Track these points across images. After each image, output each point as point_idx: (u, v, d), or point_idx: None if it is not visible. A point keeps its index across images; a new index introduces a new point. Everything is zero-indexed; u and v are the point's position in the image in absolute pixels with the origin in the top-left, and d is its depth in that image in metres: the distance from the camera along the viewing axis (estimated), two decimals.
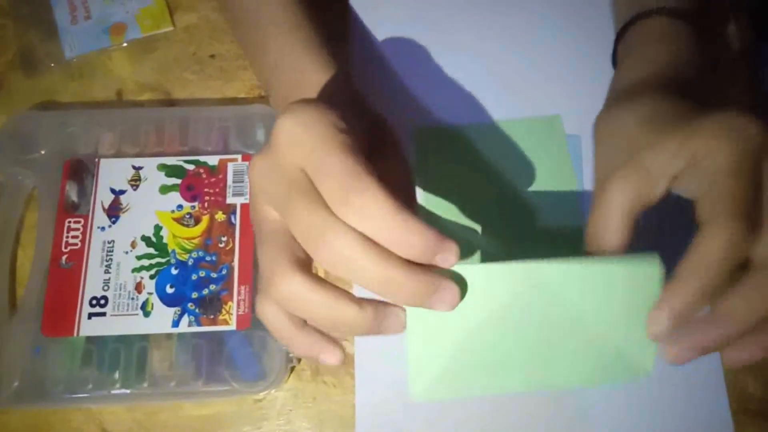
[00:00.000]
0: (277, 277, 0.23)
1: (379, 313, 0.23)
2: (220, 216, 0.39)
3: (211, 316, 0.36)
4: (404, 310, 0.24)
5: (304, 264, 0.23)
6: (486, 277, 0.24)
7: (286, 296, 0.23)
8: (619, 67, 0.36)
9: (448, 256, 0.22)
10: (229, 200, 0.39)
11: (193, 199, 0.39)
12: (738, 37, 0.44)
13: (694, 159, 0.25)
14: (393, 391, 0.36)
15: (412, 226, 0.22)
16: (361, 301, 0.23)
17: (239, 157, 0.40)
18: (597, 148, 0.31)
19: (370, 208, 0.21)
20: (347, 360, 0.37)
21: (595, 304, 0.25)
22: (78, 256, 0.37)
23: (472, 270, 0.24)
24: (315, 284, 0.23)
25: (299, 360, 0.37)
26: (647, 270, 0.25)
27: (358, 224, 0.22)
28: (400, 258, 0.22)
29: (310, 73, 0.33)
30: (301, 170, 0.23)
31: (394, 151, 0.30)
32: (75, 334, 0.36)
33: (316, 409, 0.36)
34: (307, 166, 0.23)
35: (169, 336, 0.36)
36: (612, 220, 0.26)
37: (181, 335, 0.36)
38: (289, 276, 0.23)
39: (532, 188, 0.40)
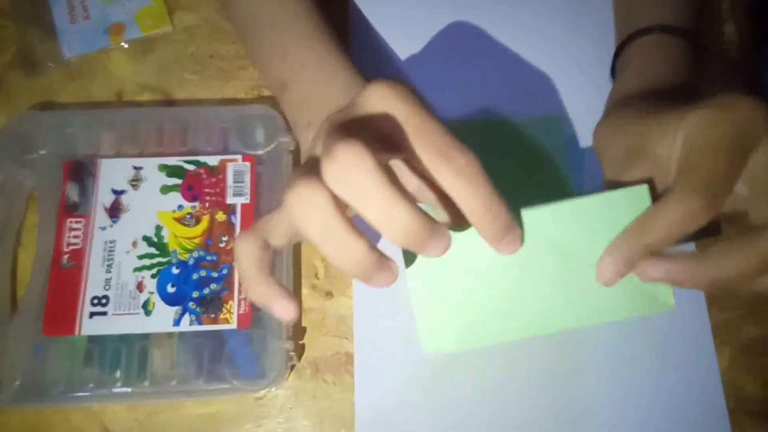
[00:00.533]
0: (343, 143, 0.21)
1: (435, 228, 0.22)
2: (220, 216, 0.39)
3: (212, 315, 0.36)
4: (397, 266, 0.23)
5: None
6: (473, 238, 0.25)
7: (345, 160, 0.20)
8: (616, 81, 0.36)
9: (515, 242, 0.24)
10: (230, 200, 0.39)
11: (193, 199, 0.39)
12: (739, 39, 0.44)
13: (686, 141, 0.25)
14: (393, 390, 0.36)
15: (501, 201, 0.22)
16: (418, 207, 0.22)
17: (239, 157, 0.40)
18: (603, 154, 0.31)
19: (470, 171, 0.22)
20: (347, 359, 0.37)
21: (596, 239, 0.26)
22: (79, 255, 0.38)
23: (461, 235, 0.25)
24: (381, 167, 0.21)
25: (299, 358, 0.37)
26: (636, 198, 0.26)
27: (456, 185, 0.22)
28: (407, 193, 0.22)
29: (337, 75, 0.34)
30: (384, 115, 0.23)
31: None
32: (76, 334, 0.36)
33: (316, 408, 0.36)
34: (398, 123, 0.23)
35: (170, 335, 0.36)
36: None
37: (182, 334, 0.36)
38: (359, 147, 0.21)
39: (529, 188, 0.40)
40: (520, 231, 0.24)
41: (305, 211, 0.22)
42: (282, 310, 0.24)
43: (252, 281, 0.24)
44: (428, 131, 0.22)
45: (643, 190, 0.26)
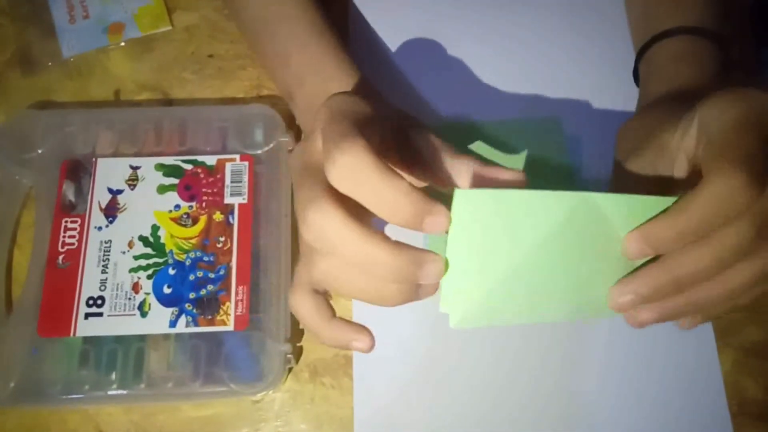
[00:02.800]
0: (309, 208, 0.22)
1: (418, 258, 0.22)
2: (218, 216, 0.38)
3: (209, 317, 0.36)
4: (443, 261, 0.23)
5: (341, 200, 0.22)
6: (528, 203, 0.24)
7: (318, 227, 0.22)
8: (643, 86, 0.36)
9: (437, 219, 0.22)
10: (227, 200, 0.39)
11: (190, 198, 0.39)
12: (739, 41, 0.44)
13: (702, 127, 0.25)
14: (392, 393, 0.36)
15: (398, 186, 0.21)
16: (397, 244, 0.22)
17: (237, 157, 0.40)
18: (618, 148, 0.31)
19: (354, 167, 0.21)
20: (346, 361, 0.37)
21: (614, 235, 0.25)
22: (75, 256, 0.37)
23: (518, 195, 0.23)
24: (349, 219, 0.22)
25: (297, 361, 0.37)
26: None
27: (343, 185, 0.21)
28: (382, 235, 0.22)
29: (336, 80, 0.34)
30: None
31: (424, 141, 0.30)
32: (72, 335, 0.36)
33: (314, 411, 0.36)
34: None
35: (166, 336, 0.36)
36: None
37: (178, 336, 0.36)
38: (324, 207, 0.22)
39: (531, 188, 0.40)
40: (444, 208, 0.22)
41: (302, 317, 0.25)
42: (359, 345, 0.25)
43: (320, 331, 0.25)
44: (324, 138, 0.23)
45: (671, 201, 0.25)
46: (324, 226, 0.22)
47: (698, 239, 0.23)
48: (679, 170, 0.27)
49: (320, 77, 0.34)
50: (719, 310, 0.26)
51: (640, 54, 0.37)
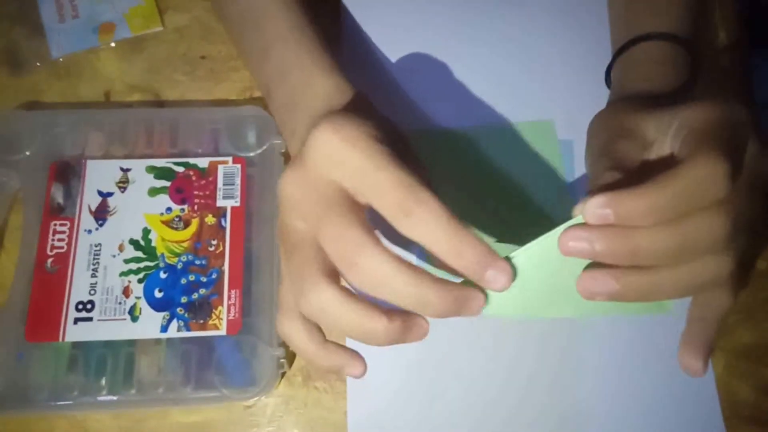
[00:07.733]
0: (308, 288, 0.23)
1: (407, 323, 0.24)
2: (210, 219, 0.38)
3: (201, 321, 0.36)
4: (427, 320, 0.24)
5: (335, 275, 0.24)
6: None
7: (317, 308, 0.23)
8: (617, 82, 0.36)
9: (499, 276, 0.22)
10: (219, 203, 0.38)
11: (182, 201, 0.38)
12: (730, 45, 0.45)
13: (685, 120, 0.25)
14: (385, 397, 0.36)
15: (468, 238, 0.22)
16: (390, 314, 0.23)
17: (230, 159, 0.39)
18: (592, 138, 0.32)
19: (429, 219, 0.22)
20: None
21: None
22: (64, 259, 0.37)
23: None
24: (346, 297, 0.23)
25: (290, 365, 0.37)
26: None
27: (419, 235, 0.22)
28: (431, 277, 0.22)
29: (316, 77, 0.33)
30: (339, 187, 0.24)
31: (410, 154, 0.30)
32: (60, 340, 0.35)
33: (308, 416, 0.36)
34: (352, 183, 0.23)
35: (157, 341, 0.35)
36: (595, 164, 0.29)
37: (169, 340, 0.35)
38: (321, 288, 0.23)
39: (525, 191, 0.40)
40: (506, 264, 0.23)
41: (295, 345, 0.25)
42: (352, 370, 0.26)
43: (314, 357, 0.26)
44: (380, 186, 0.22)
45: None
46: (324, 307, 0.23)
47: (666, 220, 0.21)
48: (650, 156, 0.27)
49: (298, 78, 0.33)
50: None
51: (619, 53, 0.37)
